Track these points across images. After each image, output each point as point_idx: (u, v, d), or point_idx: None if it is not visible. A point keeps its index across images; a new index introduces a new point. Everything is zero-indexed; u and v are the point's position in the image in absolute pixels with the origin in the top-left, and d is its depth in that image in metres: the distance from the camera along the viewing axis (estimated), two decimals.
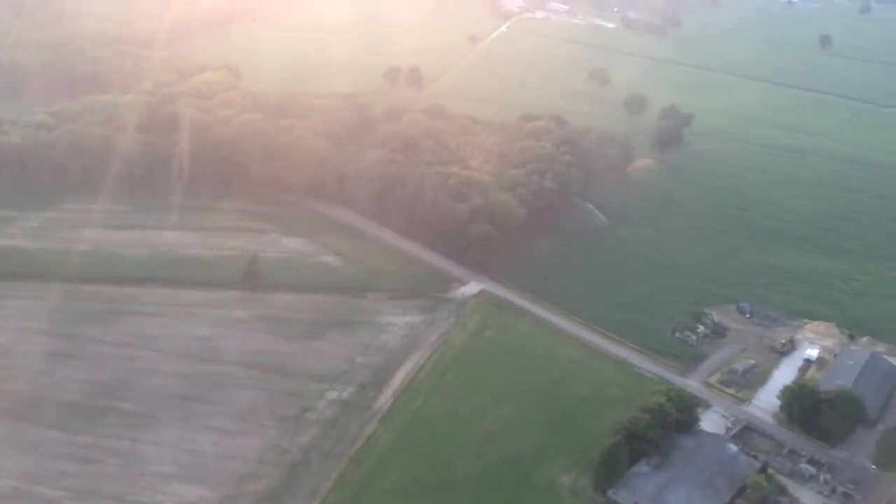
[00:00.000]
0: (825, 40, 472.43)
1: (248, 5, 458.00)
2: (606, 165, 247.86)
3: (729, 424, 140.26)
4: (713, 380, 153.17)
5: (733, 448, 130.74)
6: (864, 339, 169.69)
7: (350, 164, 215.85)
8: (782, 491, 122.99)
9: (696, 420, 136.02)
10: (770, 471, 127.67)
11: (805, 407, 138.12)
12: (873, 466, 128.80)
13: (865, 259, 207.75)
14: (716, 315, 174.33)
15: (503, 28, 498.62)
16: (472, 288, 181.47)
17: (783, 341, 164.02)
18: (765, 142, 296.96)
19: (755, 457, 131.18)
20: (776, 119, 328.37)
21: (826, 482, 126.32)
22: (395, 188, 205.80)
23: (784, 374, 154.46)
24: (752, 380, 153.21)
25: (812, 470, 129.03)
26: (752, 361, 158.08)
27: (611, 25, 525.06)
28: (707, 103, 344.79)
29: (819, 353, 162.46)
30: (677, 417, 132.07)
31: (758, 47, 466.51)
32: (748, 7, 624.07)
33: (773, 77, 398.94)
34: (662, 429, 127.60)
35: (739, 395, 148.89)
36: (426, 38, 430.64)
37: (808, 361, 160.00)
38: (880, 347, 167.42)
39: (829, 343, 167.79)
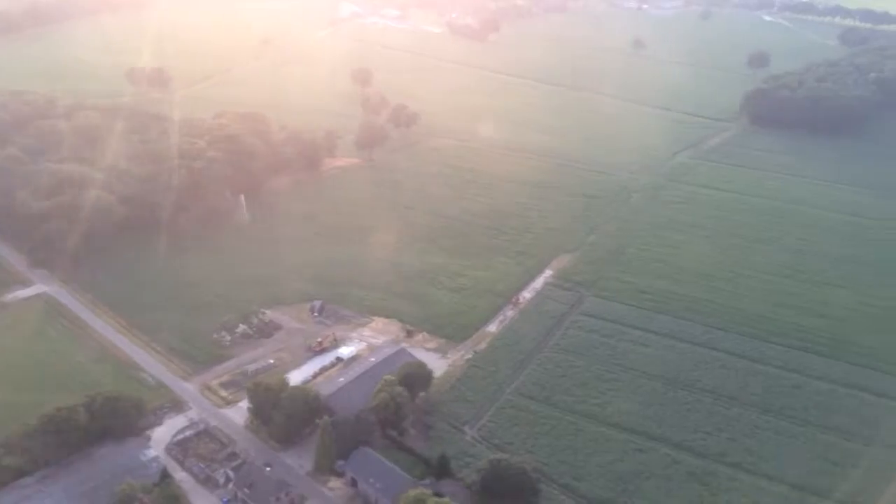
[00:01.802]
0: (638, 44, 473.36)
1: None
2: (285, 163, 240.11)
3: (186, 427, 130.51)
4: (216, 382, 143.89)
5: (150, 455, 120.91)
6: (420, 336, 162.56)
7: None
8: (174, 498, 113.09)
9: (129, 426, 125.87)
10: (186, 475, 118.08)
11: (262, 407, 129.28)
12: (267, 467, 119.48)
13: (503, 255, 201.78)
14: (271, 314, 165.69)
15: (322, 33, 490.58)
16: (30, 291, 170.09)
17: (319, 339, 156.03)
18: (502, 143, 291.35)
19: (182, 463, 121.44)
20: (534, 120, 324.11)
21: (232, 488, 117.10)
22: None
23: (300, 375, 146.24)
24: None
25: (231, 474, 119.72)
26: (272, 361, 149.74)
27: (437, 30, 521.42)
28: (472, 105, 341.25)
29: (357, 351, 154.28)
30: (97, 423, 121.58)
31: (570, 51, 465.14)
32: (593, 12, 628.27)
33: (561, 80, 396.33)
34: (57, 435, 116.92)
35: (231, 396, 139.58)
36: (219, 43, 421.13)
37: (339, 359, 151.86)
38: (432, 343, 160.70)
39: (381, 340, 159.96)
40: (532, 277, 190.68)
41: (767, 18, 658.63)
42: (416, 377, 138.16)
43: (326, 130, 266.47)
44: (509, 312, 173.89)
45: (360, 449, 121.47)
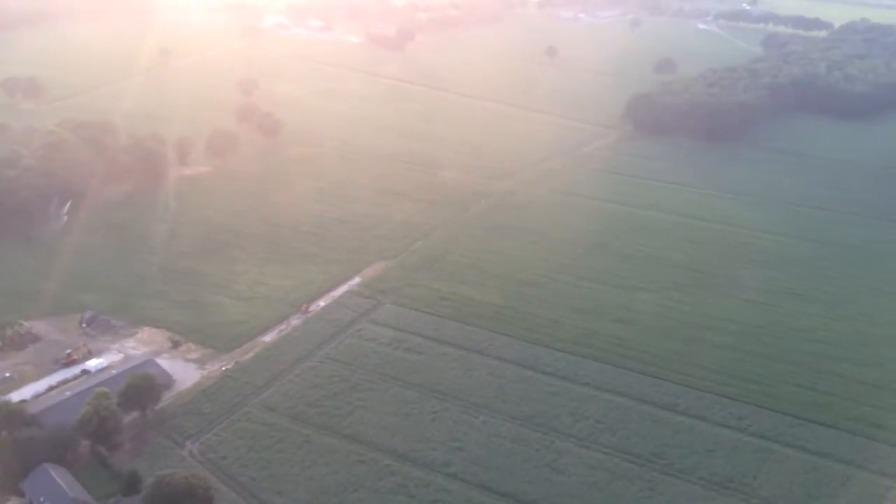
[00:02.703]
0: (551, 52, 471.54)
1: None
2: (123, 172, 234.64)
3: None
4: None
5: None
6: (185, 346, 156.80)
7: None
8: None
9: None
10: None
11: None
12: None
13: (315, 263, 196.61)
14: (33, 325, 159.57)
15: (238, 44, 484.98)
16: None
17: (68, 352, 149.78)
18: (367, 150, 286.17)
19: None
20: (413, 128, 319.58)
21: None
22: None
23: (35, 388, 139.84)
24: None
25: None
26: (7, 374, 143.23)
27: (355, 40, 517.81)
28: (356, 113, 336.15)
29: (108, 363, 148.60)
30: None
31: (482, 60, 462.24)
32: (526, 22, 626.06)
33: (459, 87, 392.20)
34: None
35: None
36: (118, 54, 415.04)
37: (84, 372, 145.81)
38: (195, 354, 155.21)
39: (142, 351, 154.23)
40: (336, 285, 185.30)
41: (701, 27, 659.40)
42: (141, 389, 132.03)
43: (178, 138, 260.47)
44: (294, 321, 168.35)
45: (40, 467, 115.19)
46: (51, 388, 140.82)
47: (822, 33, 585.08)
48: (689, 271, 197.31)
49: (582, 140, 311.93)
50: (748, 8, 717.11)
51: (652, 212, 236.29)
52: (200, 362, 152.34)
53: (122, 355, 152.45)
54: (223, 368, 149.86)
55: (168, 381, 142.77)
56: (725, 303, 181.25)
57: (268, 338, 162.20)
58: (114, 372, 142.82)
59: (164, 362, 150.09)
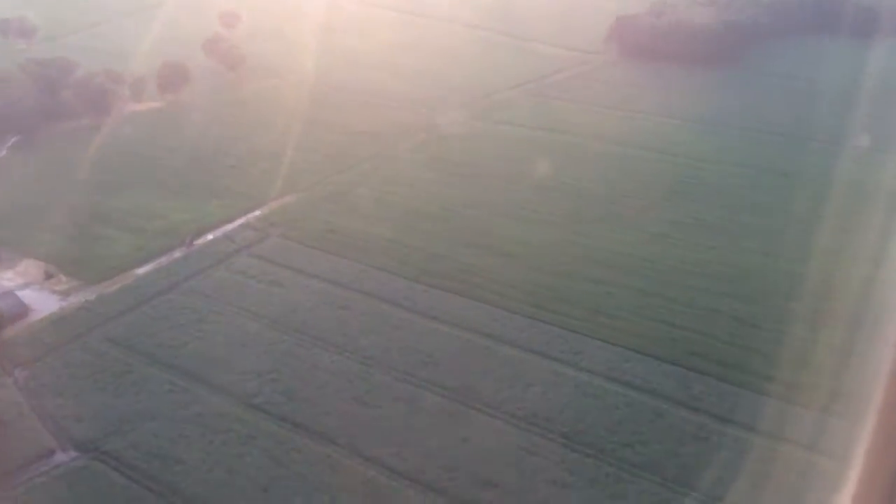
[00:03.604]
0: None
1: None
2: (68, 108, 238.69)
3: None
4: None
5: None
6: (56, 278, 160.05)
7: None
8: None
9: None
10: None
11: None
12: None
13: (223, 196, 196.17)
14: None
15: None
16: None
17: None
18: (328, 83, 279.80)
19: None
20: (386, 60, 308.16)
21: None
22: None
23: None
24: None
25: None
26: None
27: None
28: (335, 46, 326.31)
29: None
30: None
31: None
32: None
33: (456, 16, 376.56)
34: None
35: None
36: None
37: None
38: (63, 286, 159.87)
39: (14, 283, 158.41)
40: (234, 218, 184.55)
41: None
42: None
43: (135, 73, 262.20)
44: (176, 254, 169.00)
45: None
46: None
47: None
48: (604, 203, 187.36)
49: (555, 67, 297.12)
50: None
51: (593, 142, 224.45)
52: (65, 294, 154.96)
53: None
54: (85, 300, 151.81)
55: (23, 312, 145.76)
56: (626, 237, 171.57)
57: (142, 270, 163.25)
58: None
59: (31, 293, 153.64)
